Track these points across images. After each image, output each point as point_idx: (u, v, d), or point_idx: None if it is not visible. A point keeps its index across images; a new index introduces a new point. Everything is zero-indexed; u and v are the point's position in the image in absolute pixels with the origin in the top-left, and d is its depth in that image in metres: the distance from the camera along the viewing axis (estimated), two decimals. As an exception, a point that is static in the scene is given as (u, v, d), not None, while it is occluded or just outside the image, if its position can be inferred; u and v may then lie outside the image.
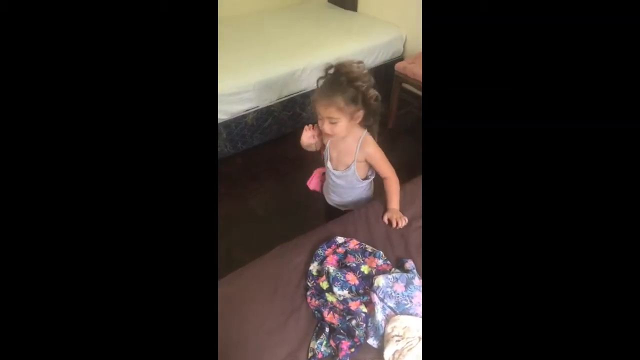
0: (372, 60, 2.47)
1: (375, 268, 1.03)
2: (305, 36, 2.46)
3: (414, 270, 1.01)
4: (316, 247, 1.10)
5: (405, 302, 0.93)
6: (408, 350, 0.83)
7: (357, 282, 0.99)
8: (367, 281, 1.00)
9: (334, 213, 1.38)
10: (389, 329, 0.88)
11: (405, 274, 0.99)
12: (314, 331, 0.93)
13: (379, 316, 0.90)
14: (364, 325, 0.91)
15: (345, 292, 0.98)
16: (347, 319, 0.92)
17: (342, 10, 2.88)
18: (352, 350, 0.87)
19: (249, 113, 2.13)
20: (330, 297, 0.97)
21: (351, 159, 1.18)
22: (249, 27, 2.62)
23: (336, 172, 1.23)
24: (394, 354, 0.84)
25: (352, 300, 0.95)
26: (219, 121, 2.03)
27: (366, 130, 1.16)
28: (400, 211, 1.19)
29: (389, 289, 0.95)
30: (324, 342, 0.90)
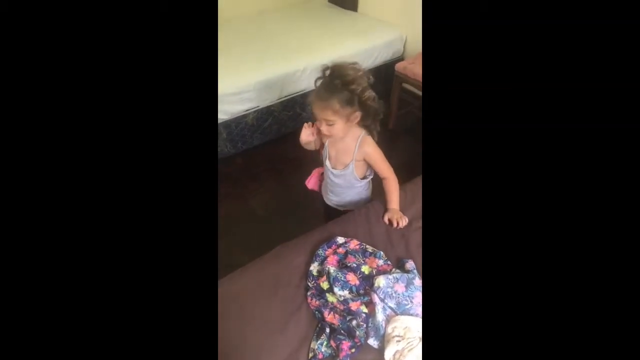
0: (372, 60, 2.47)
1: (375, 268, 1.03)
2: (306, 36, 2.46)
3: (415, 271, 1.01)
4: (316, 248, 1.10)
5: (406, 303, 0.93)
6: (409, 351, 0.83)
7: (357, 282, 0.99)
8: (368, 281, 0.99)
9: (332, 213, 1.38)
10: (389, 330, 0.88)
11: (405, 275, 0.99)
12: (314, 331, 0.93)
13: (380, 316, 0.90)
14: (365, 326, 0.91)
15: (346, 293, 0.98)
16: (347, 319, 0.92)
17: (343, 10, 2.88)
18: (353, 350, 0.87)
19: (249, 113, 2.13)
20: (330, 298, 0.97)
21: (349, 158, 1.18)
22: (249, 27, 2.62)
23: (334, 171, 1.23)
24: (394, 355, 0.84)
25: (353, 300, 0.95)
26: (219, 121, 2.03)
27: (364, 131, 1.16)
28: (400, 211, 1.19)
29: (389, 289, 0.95)
30: (325, 343, 0.90)
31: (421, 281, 0.99)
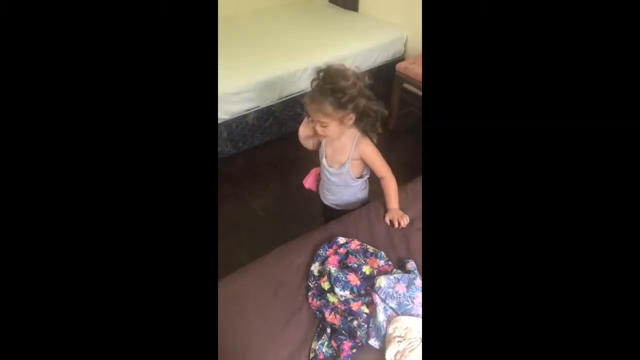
0: (373, 60, 2.47)
1: (376, 269, 1.03)
2: (306, 36, 2.46)
3: (416, 271, 1.01)
4: (317, 248, 1.10)
5: (407, 303, 0.93)
6: (410, 351, 0.83)
7: (358, 282, 0.99)
8: (369, 282, 0.99)
9: (330, 212, 1.38)
10: (390, 330, 0.88)
11: (406, 275, 0.99)
12: (315, 332, 0.93)
13: (381, 317, 0.90)
14: (366, 326, 0.91)
15: (347, 293, 0.97)
16: (348, 319, 0.92)
17: (343, 10, 2.87)
18: (354, 351, 0.87)
19: (250, 113, 2.13)
20: (331, 298, 0.97)
21: (346, 157, 1.19)
22: (249, 27, 2.62)
23: (331, 170, 1.24)
24: (395, 355, 0.83)
25: (354, 300, 0.95)
26: (220, 121, 2.03)
27: (359, 133, 1.15)
28: (400, 210, 1.19)
29: (390, 290, 0.95)
30: (326, 343, 0.89)
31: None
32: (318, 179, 1.41)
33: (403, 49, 2.59)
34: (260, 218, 1.92)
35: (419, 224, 1.17)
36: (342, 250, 1.08)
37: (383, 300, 0.93)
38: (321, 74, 1.04)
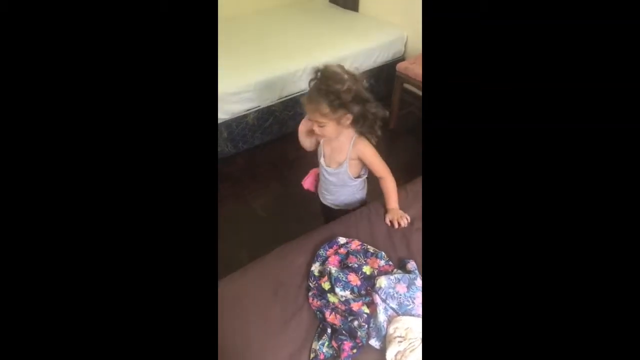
0: (373, 60, 2.47)
1: (377, 269, 1.03)
2: (306, 36, 2.46)
3: (416, 271, 1.01)
4: (318, 248, 1.10)
5: (408, 303, 0.93)
6: (410, 351, 0.83)
7: (359, 282, 0.99)
8: (369, 282, 0.99)
9: (329, 212, 1.38)
10: (391, 330, 0.88)
11: (407, 275, 0.98)
12: (315, 332, 0.93)
13: (381, 317, 0.90)
14: (366, 326, 0.90)
15: (347, 293, 0.97)
16: (349, 319, 0.92)
17: (343, 10, 2.87)
18: (354, 351, 0.87)
19: (250, 113, 2.13)
20: (332, 298, 0.97)
21: (344, 156, 1.19)
22: (249, 27, 2.62)
23: (329, 169, 1.24)
24: (396, 355, 0.83)
25: (354, 301, 0.95)
26: (220, 121, 2.03)
27: (356, 133, 1.15)
28: (400, 209, 1.19)
29: (391, 290, 0.95)
30: (326, 343, 0.89)
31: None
32: (317, 179, 1.41)
33: (403, 49, 2.58)
34: (260, 218, 1.92)
35: (419, 224, 1.17)
36: (342, 251, 1.08)
37: (384, 301, 0.93)
38: (319, 74, 1.04)
